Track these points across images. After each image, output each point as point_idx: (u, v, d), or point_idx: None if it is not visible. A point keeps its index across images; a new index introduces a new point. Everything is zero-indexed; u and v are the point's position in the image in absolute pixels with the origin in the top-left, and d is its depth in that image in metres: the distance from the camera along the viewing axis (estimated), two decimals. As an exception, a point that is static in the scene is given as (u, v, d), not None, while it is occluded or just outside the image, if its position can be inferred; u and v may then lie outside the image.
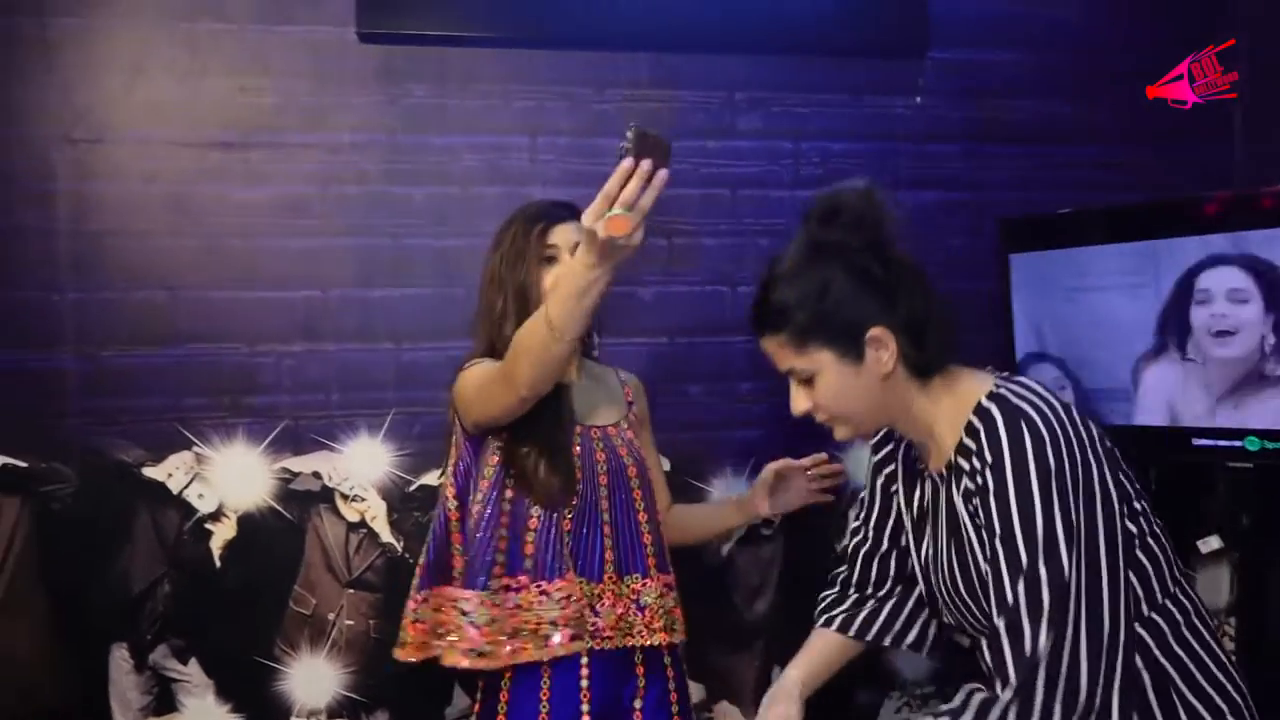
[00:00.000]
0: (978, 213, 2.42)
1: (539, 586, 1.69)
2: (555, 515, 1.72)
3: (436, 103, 2.19)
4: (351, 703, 2.14)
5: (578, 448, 1.76)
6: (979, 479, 1.23)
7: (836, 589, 1.64)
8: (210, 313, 2.10)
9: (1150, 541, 1.29)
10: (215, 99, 2.11)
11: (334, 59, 2.15)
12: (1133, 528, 1.26)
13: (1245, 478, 2.22)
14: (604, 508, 1.75)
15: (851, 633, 1.58)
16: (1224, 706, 1.29)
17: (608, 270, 1.41)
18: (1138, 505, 1.29)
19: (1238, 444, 2.07)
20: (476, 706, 1.80)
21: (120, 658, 2.06)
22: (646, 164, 1.32)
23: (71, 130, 2.06)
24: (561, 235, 1.76)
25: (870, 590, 1.60)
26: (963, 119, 2.43)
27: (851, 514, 1.59)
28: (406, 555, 2.13)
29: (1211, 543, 2.54)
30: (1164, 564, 1.30)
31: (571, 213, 1.77)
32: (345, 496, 2.14)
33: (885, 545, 1.57)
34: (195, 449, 2.08)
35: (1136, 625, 1.23)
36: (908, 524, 1.49)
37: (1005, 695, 1.15)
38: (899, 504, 1.51)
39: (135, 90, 2.08)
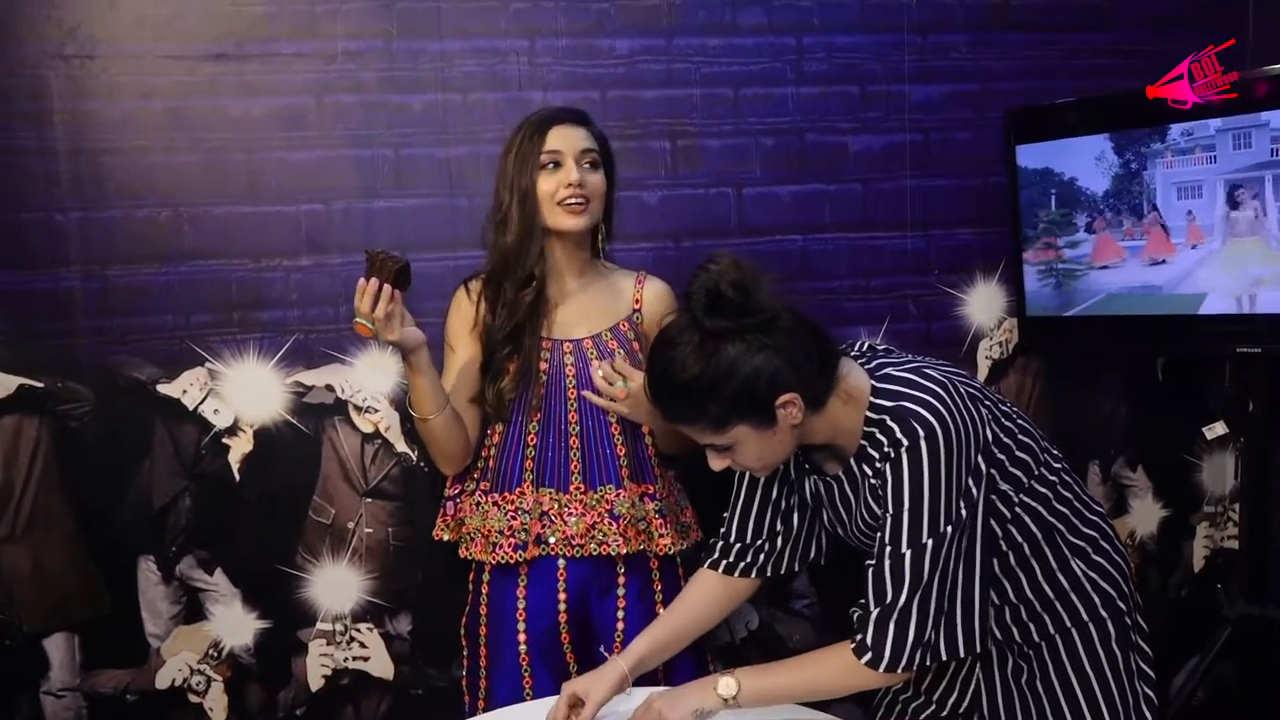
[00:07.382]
0: (984, 104, 2.38)
1: (492, 498, 1.81)
2: (518, 429, 1.80)
3: (431, 6, 2.14)
4: (375, 607, 2.20)
5: (545, 363, 1.79)
6: (881, 479, 1.40)
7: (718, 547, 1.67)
8: (214, 229, 2.09)
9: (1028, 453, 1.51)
10: (205, 9, 2.06)
11: (324, -37, 2.09)
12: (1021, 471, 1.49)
13: (1253, 363, 2.23)
14: (572, 420, 1.80)
15: (750, 575, 1.64)
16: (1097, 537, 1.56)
17: (409, 362, 1.73)
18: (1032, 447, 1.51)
19: (1246, 329, 2.07)
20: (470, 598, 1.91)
21: (148, 570, 2.11)
22: (374, 283, 1.65)
23: (63, 47, 2.02)
24: (561, 139, 1.77)
25: (749, 541, 1.64)
26: (969, 7, 2.37)
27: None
28: (421, 464, 2.17)
29: (1217, 429, 2.57)
30: (1037, 451, 1.51)
31: (577, 117, 1.81)
32: (358, 408, 2.16)
33: (757, 508, 1.63)
34: (208, 365, 2.10)
35: (1025, 497, 1.49)
36: (790, 502, 1.62)
37: (902, 598, 1.37)
38: (778, 486, 1.61)
39: (123, 2, 2.04)
